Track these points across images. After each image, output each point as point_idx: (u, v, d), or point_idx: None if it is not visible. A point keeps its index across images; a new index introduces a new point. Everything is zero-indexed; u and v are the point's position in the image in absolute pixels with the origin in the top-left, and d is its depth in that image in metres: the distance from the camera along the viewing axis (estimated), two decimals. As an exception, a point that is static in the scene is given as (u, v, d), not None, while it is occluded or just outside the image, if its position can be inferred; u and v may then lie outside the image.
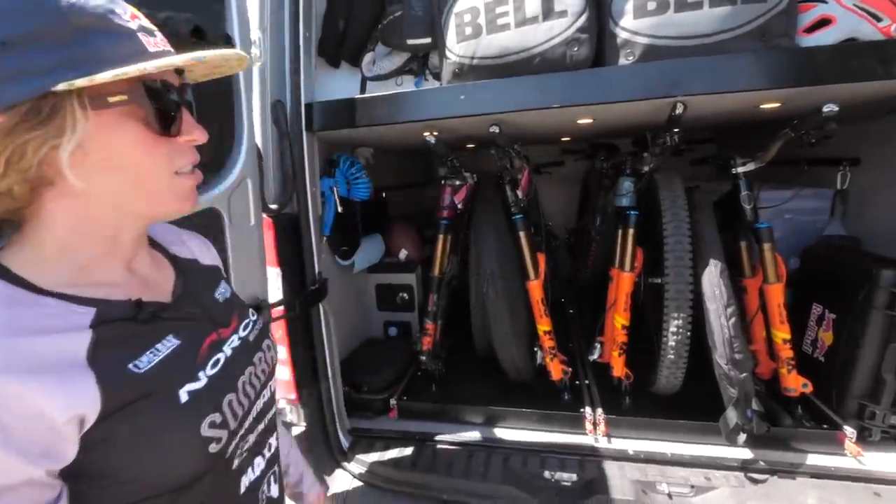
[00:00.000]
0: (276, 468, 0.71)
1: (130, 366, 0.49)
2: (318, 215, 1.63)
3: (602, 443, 1.57)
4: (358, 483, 1.57)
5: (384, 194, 2.32)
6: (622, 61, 1.21)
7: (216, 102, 1.16)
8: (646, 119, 1.53)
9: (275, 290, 1.44)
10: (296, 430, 1.61)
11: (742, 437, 1.39)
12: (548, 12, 1.21)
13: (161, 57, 0.49)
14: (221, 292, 0.69)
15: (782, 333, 1.55)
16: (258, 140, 1.38)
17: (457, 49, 1.32)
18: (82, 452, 0.45)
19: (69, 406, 0.44)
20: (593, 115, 1.58)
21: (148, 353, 0.52)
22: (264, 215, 1.37)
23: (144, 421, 0.49)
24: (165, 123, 0.51)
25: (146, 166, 0.51)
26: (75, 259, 0.52)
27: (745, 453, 1.45)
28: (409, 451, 1.63)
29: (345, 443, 1.68)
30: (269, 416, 0.69)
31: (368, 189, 1.90)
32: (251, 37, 1.34)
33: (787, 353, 1.55)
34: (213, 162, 1.19)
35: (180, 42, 1.01)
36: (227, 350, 0.62)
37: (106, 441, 0.46)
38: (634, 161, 1.83)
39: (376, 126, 1.48)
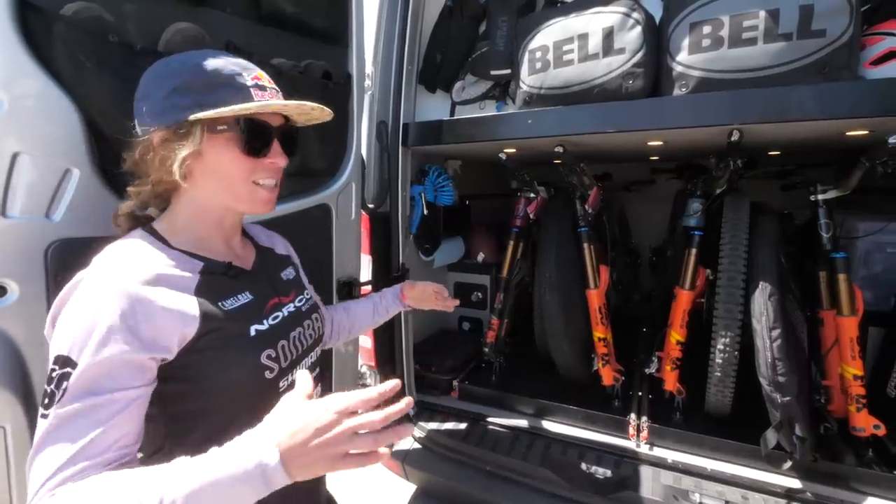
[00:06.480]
0: None
1: (220, 303, 0.70)
2: (406, 216, 1.96)
3: (642, 448, 1.64)
4: (418, 445, 1.85)
5: (468, 202, 2.59)
6: (676, 92, 1.32)
7: (336, 124, 1.53)
8: (709, 143, 1.58)
9: (365, 272, 1.79)
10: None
11: (787, 463, 1.38)
12: (608, 49, 1.37)
13: (256, 102, 0.70)
14: (287, 274, 0.91)
15: (853, 369, 1.48)
16: (364, 152, 1.74)
17: (528, 80, 1.54)
18: (180, 356, 0.64)
19: (182, 319, 0.64)
20: (663, 137, 1.68)
21: (231, 298, 0.73)
22: (363, 212, 1.72)
23: (224, 343, 0.68)
24: (253, 148, 0.72)
25: (233, 175, 0.72)
26: (195, 231, 0.75)
27: (793, 482, 1.43)
28: (463, 426, 1.87)
29: (411, 411, 1.97)
30: (315, 372, 0.88)
31: (452, 196, 2.19)
32: (366, 71, 1.71)
33: (857, 390, 1.48)
34: (329, 169, 1.57)
35: (314, 82, 1.38)
36: (285, 312, 0.83)
37: (197, 352, 0.65)
38: (705, 183, 1.86)
39: (459, 143, 1.76)
